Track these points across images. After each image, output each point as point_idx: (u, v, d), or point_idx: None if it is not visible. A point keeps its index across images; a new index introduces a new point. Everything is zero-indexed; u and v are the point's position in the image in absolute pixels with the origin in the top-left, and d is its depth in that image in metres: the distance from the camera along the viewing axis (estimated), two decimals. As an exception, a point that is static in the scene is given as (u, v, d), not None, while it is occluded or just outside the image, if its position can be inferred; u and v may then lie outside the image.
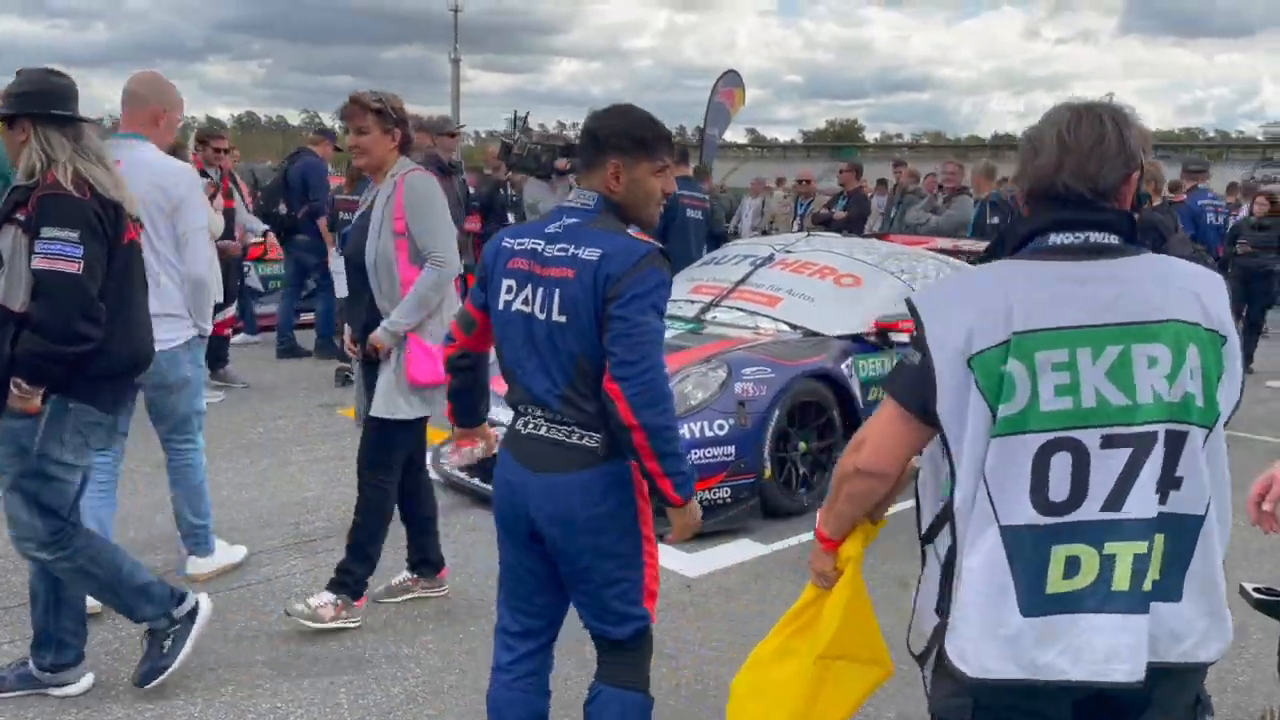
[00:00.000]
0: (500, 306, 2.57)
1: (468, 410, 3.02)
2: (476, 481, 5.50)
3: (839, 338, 6.03)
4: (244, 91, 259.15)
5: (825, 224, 10.56)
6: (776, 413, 5.32)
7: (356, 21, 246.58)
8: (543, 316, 2.48)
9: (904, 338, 5.87)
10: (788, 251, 6.89)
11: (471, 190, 9.08)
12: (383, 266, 3.84)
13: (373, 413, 3.91)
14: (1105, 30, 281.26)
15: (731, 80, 17.93)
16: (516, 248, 2.57)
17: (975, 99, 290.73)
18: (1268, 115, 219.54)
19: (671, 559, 4.70)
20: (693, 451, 5.04)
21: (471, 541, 4.92)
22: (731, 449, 5.16)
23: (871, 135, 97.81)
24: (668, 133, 2.62)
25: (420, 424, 4.05)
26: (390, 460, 3.99)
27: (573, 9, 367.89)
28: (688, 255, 7.78)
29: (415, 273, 3.83)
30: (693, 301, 6.62)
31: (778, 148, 69.23)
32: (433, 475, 4.66)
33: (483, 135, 47.72)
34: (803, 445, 5.53)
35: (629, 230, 2.53)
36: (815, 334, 6.07)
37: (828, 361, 5.70)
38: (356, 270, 3.94)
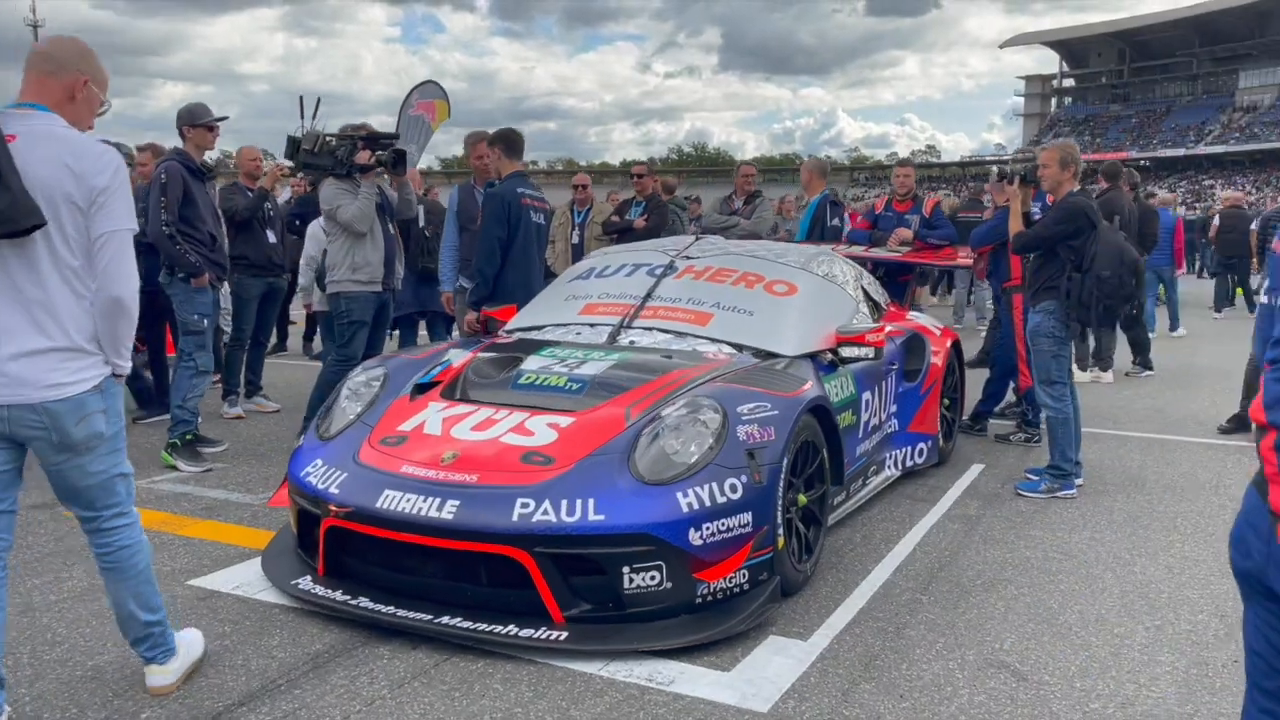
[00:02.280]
0: None
1: None
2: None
3: (799, 358, 4.83)
4: None
5: (620, 234, 9.29)
6: (785, 460, 4.00)
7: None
8: None
9: (864, 351, 4.78)
10: (687, 258, 5.59)
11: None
12: None
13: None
14: (707, 66, 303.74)
15: (430, 92, 16.24)
16: None
17: (599, 129, 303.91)
18: (844, 143, 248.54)
19: (714, 688, 3.35)
20: (704, 527, 3.63)
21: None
22: (749, 516, 3.78)
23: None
24: None
25: None
26: None
27: (170, 30, 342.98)
28: (529, 268, 6.26)
29: None
30: (594, 325, 5.15)
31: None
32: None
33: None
34: (801, 498, 4.24)
35: None
36: (770, 355, 4.82)
37: (818, 389, 4.46)
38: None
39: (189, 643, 3.38)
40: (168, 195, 6.04)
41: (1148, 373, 10.29)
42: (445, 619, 3.65)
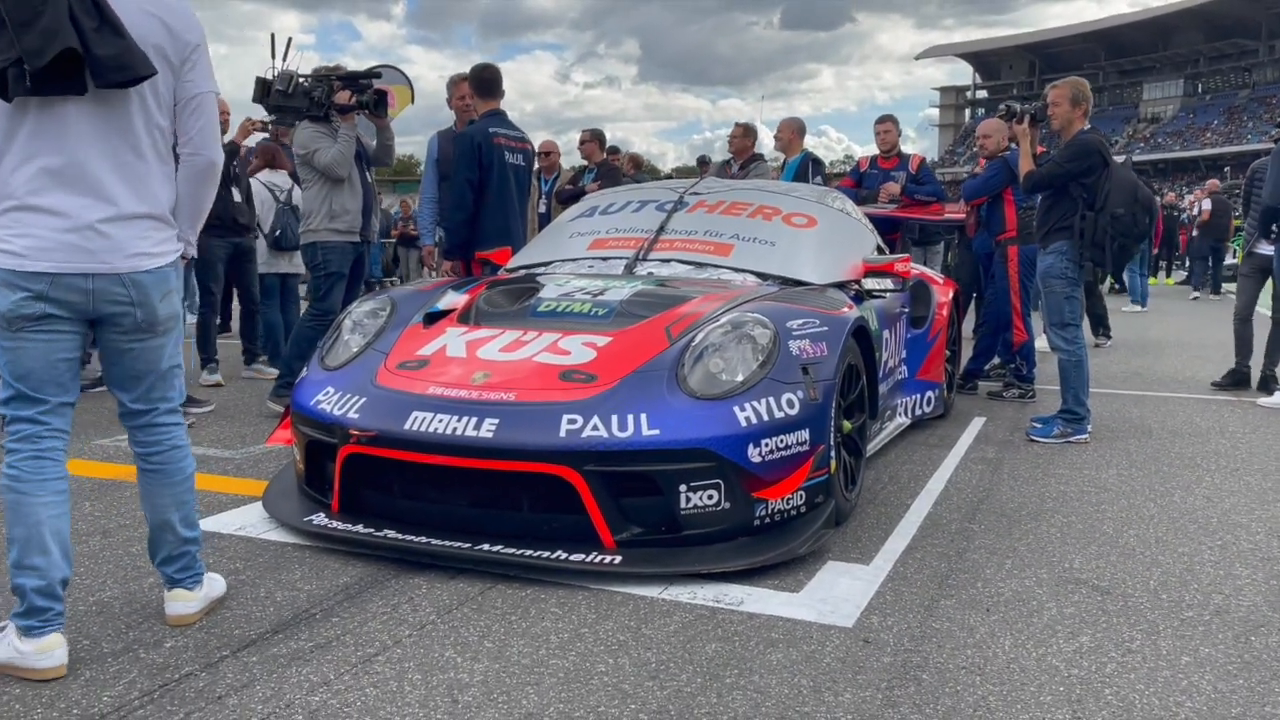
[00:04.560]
0: None
1: None
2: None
3: (830, 286, 4.62)
4: None
5: (573, 200, 9.00)
6: (837, 379, 3.78)
7: None
8: None
9: (888, 283, 4.61)
10: (696, 193, 5.35)
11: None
12: None
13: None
14: (627, 77, 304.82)
15: (390, 77, 15.68)
16: None
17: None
18: (763, 153, 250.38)
19: (788, 607, 3.12)
20: (763, 443, 3.39)
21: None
22: (806, 433, 3.54)
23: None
24: None
25: None
26: None
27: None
28: (508, 212, 5.94)
29: None
30: (605, 259, 4.87)
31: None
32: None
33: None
34: (846, 425, 4.02)
35: None
36: (799, 284, 4.61)
37: (859, 312, 4.24)
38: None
39: (212, 580, 3.04)
40: None
41: (1109, 342, 10.40)
42: (485, 546, 3.34)
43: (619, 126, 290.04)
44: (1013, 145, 6.41)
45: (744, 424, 3.39)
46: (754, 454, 3.38)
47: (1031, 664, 2.73)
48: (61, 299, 2.50)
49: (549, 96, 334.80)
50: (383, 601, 3.09)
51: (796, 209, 5.12)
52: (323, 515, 3.67)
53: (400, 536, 3.42)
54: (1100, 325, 10.48)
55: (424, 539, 3.39)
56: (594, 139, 9.79)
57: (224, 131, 7.23)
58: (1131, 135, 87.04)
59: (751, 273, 4.64)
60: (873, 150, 8.02)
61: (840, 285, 4.72)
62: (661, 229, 4.96)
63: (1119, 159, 5.50)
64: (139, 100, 2.56)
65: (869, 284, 4.81)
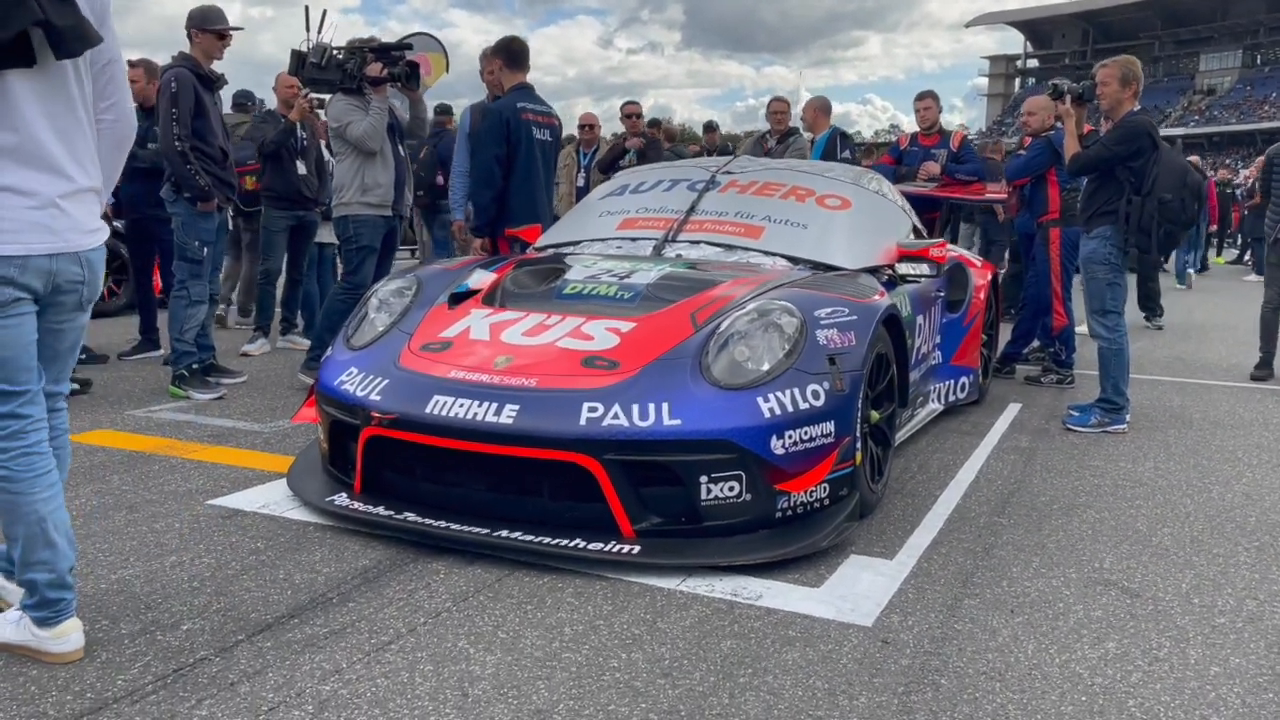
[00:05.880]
0: None
1: None
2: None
3: (863, 272, 4.54)
4: None
5: (613, 168, 8.91)
6: (865, 370, 3.71)
7: None
8: None
9: (925, 268, 4.50)
10: (728, 173, 5.26)
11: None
12: None
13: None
14: (670, 43, 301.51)
15: (423, 44, 15.53)
16: None
17: (562, 104, 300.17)
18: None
19: (807, 603, 3.07)
20: (786, 435, 3.33)
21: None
22: (831, 425, 3.48)
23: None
24: None
25: None
26: None
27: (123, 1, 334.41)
28: (534, 188, 5.88)
29: None
30: (635, 239, 4.81)
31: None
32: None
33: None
34: (874, 415, 3.95)
35: None
36: (830, 269, 4.52)
37: (890, 300, 4.16)
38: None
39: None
40: (179, 107, 5.54)
41: (1160, 322, 10.23)
42: (504, 532, 3.32)
43: (661, 93, 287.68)
44: (1058, 125, 6.25)
45: (767, 415, 3.33)
46: (777, 446, 3.33)
47: (1054, 670, 2.67)
48: (28, 283, 2.39)
49: (591, 62, 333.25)
50: (399, 587, 3.09)
51: (830, 190, 5.03)
52: (345, 495, 3.67)
53: (420, 520, 3.42)
54: (1152, 305, 10.29)
55: (443, 524, 3.38)
56: (633, 111, 9.65)
57: (292, 106, 7.20)
58: (1186, 107, 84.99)
59: (782, 256, 4.56)
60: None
61: (874, 270, 4.63)
62: (692, 209, 4.88)
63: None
64: (73, 69, 2.45)
65: (903, 269, 4.71)
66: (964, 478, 4.51)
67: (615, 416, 3.27)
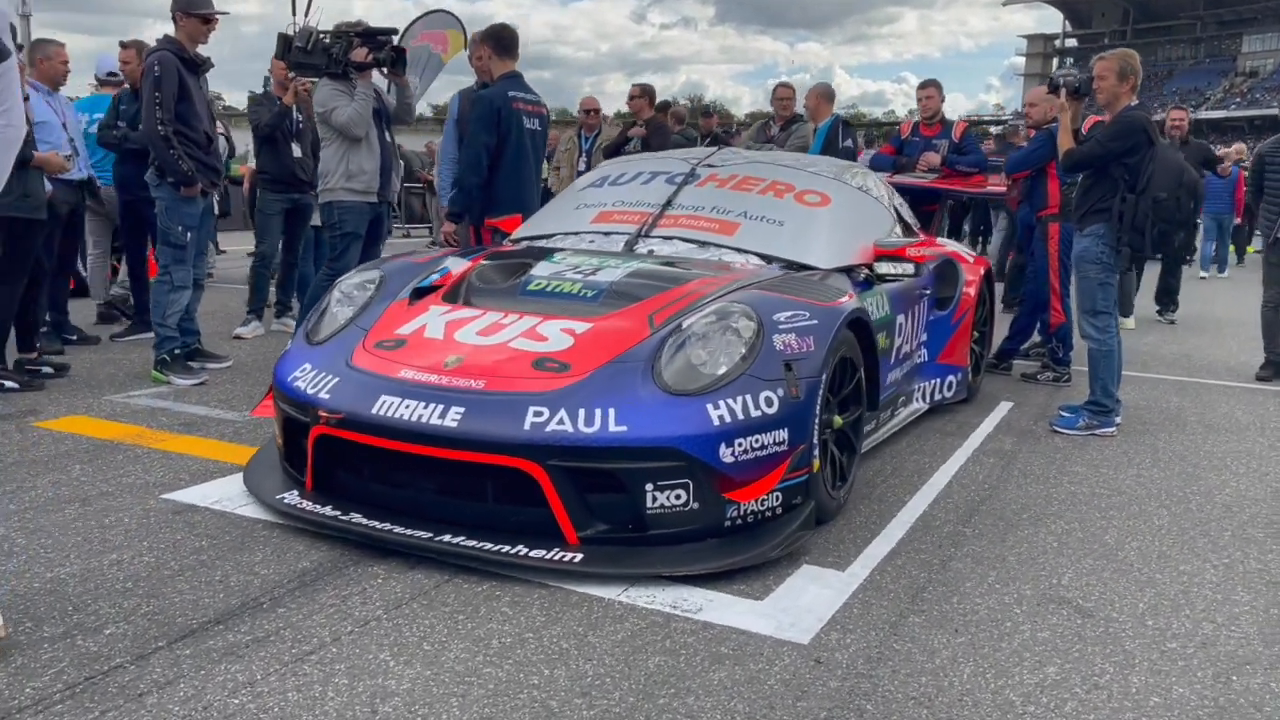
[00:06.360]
0: None
1: None
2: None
3: (836, 271, 4.44)
4: None
5: (619, 151, 8.82)
6: (824, 375, 3.62)
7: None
8: None
9: (905, 268, 4.40)
10: (710, 165, 5.17)
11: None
12: None
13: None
14: (704, 18, 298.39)
15: (439, 21, 15.38)
16: None
17: (594, 79, 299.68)
18: (841, 100, 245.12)
19: (747, 617, 3.01)
20: (736, 443, 3.26)
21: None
22: (784, 433, 3.40)
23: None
24: None
25: None
26: None
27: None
28: (522, 177, 5.82)
29: None
30: (608, 234, 4.74)
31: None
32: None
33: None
34: (837, 420, 3.87)
35: None
36: (804, 268, 4.43)
37: (857, 303, 4.07)
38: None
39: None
40: (162, 90, 5.50)
41: (1174, 317, 10.04)
42: (446, 537, 3.28)
43: (694, 69, 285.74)
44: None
45: (716, 423, 3.26)
46: (726, 454, 3.26)
47: (986, 698, 2.60)
48: None
49: (624, 37, 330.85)
50: (335, 592, 3.06)
51: (811, 185, 4.92)
52: (295, 494, 3.64)
53: (365, 522, 3.38)
54: (1168, 299, 10.09)
55: (387, 526, 3.35)
56: (644, 95, 9.53)
57: (287, 88, 7.19)
58: (1228, 90, 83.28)
59: (755, 254, 4.47)
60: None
61: (850, 269, 4.53)
62: (668, 204, 4.80)
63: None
64: None
65: (881, 268, 4.61)
66: (938, 481, 4.42)
67: (560, 421, 3.22)
